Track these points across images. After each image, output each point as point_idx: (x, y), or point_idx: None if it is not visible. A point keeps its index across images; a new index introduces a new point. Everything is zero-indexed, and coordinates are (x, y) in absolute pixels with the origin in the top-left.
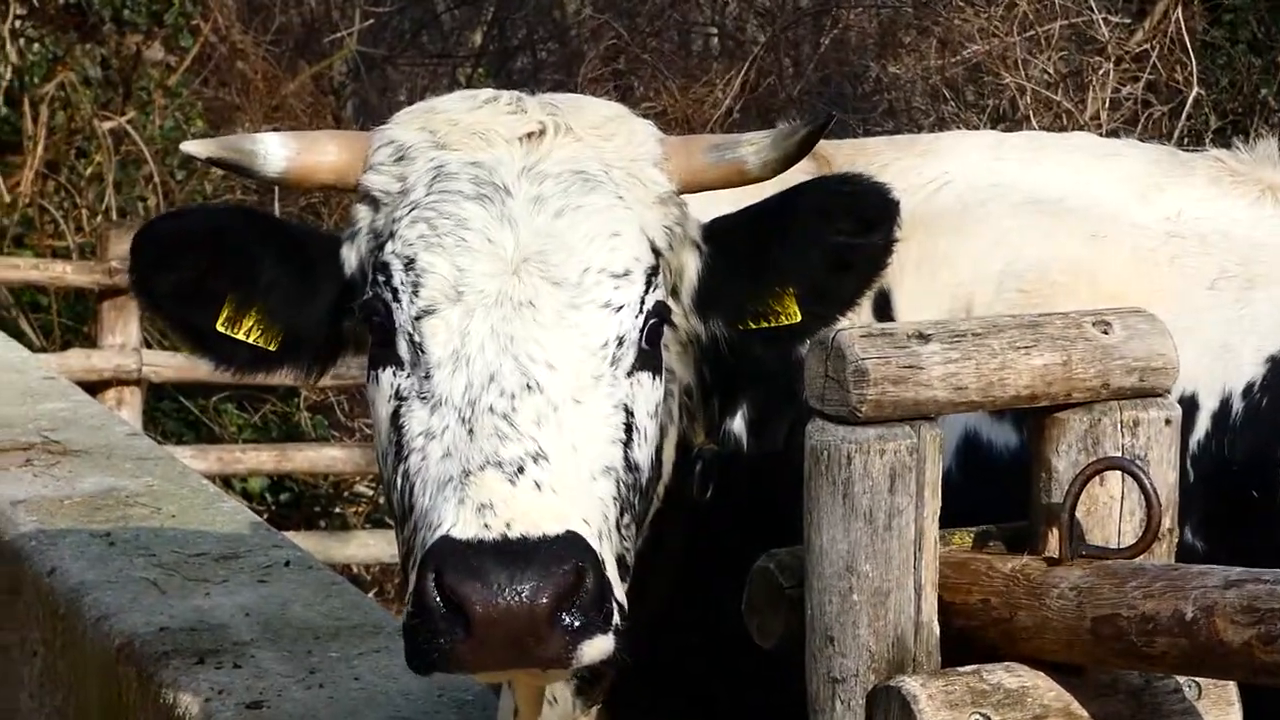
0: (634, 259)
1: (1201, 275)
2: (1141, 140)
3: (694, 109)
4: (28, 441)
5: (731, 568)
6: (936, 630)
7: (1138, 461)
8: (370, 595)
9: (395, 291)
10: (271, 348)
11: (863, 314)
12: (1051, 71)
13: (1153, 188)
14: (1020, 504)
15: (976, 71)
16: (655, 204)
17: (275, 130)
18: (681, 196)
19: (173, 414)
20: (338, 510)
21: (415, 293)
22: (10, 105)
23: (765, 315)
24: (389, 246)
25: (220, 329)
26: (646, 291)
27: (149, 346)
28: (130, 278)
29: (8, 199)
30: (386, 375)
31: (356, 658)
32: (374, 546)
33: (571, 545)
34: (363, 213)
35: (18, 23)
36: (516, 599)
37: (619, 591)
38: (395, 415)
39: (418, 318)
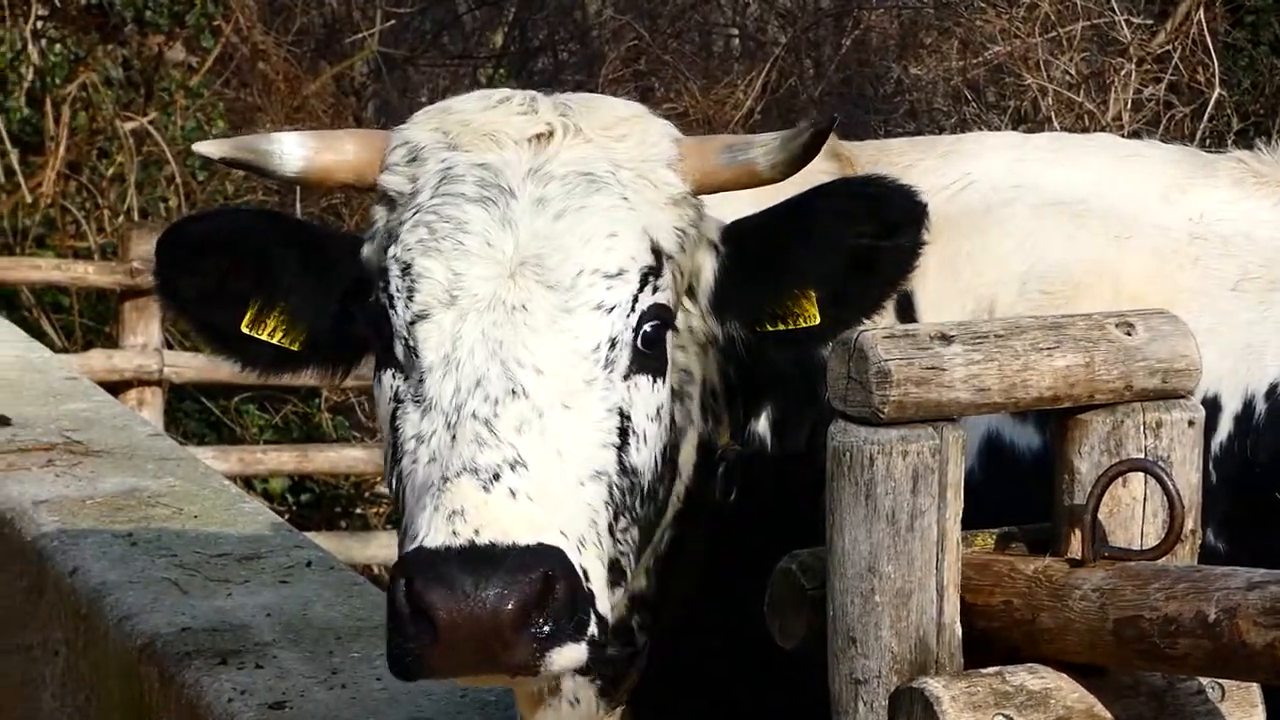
0: (630, 259)
1: (1224, 277)
2: (1163, 141)
3: (715, 110)
4: (50, 442)
5: (754, 569)
6: (959, 631)
7: (1160, 463)
8: None
9: (392, 296)
10: (295, 348)
11: (885, 315)
12: (1073, 73)
13: (1176, 189)
14: (1044, 505)
15: (998, 72)
16: (666, 205)
17: (296, 131)
18: (700, 197)
19: (194, 414)
20: (359, 511)
21: (410, 297)
22: (32, 106)
23: (784, 317)
24: (391, 249)
25: (245, 330)
26: (641, 292)
27: (170, 347)
28: (155, 281)
29: (30, 199)
30: (387, 377)
31: (378, 658)
32: (395, 547)
33: (541, 553)
34: (379, 213)
35: (40, 24)
36: (481, 605)
37: (602, 600)
38: (393, 417)
39: (412, 322)
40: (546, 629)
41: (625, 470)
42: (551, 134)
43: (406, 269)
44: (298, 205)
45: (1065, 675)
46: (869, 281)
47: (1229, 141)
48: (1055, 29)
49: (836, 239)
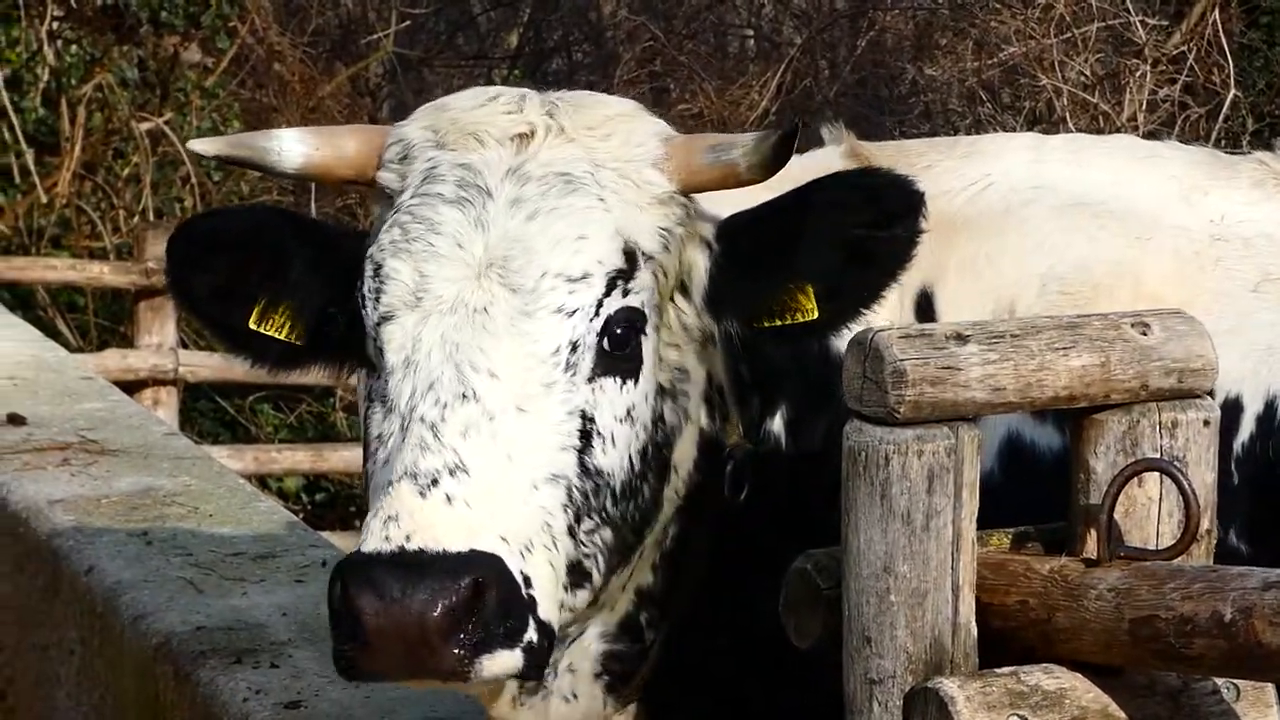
0: (596, 262)
1: (1245, 278)
2: (1179, 143)
3: (730, 111)
4: (65, 441)
5: (764, 567)
6: (974, 631)
7: (1176, 463)
8: None
9: (364, 296)
10: (300, 344)
11: (905, 315)
12: (1088, 73)
13: (1196, 190)
14: (1064, 506)
15: (1013, 73)
16: (649, 205)
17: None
18: (693, 195)
19: (209, 414)
20: None
21: (378, 298)
22: (48, 106)
23: (782, 312)
24: (370, 248)
25: (252, 326)
26: (607, 296)
27: (185, 347)
28: (167, 277)
29: (45, 200)
30: (362, 375)
31: None
32: None
33: (472, 560)
34: (377, 211)
35: (55, 24)
36: (407, 611)
37: (546, 605)
38: (365, 416)
39: (379, 323)
40: (477, 636)
41: (588, 472)
42: (533, 133)
43: (378, 269)
44: (312, 206)
45: (1080, 675)
46: (866, 273)
47: (1244, 142)
48: (1070, 30)
49: (832, 232)
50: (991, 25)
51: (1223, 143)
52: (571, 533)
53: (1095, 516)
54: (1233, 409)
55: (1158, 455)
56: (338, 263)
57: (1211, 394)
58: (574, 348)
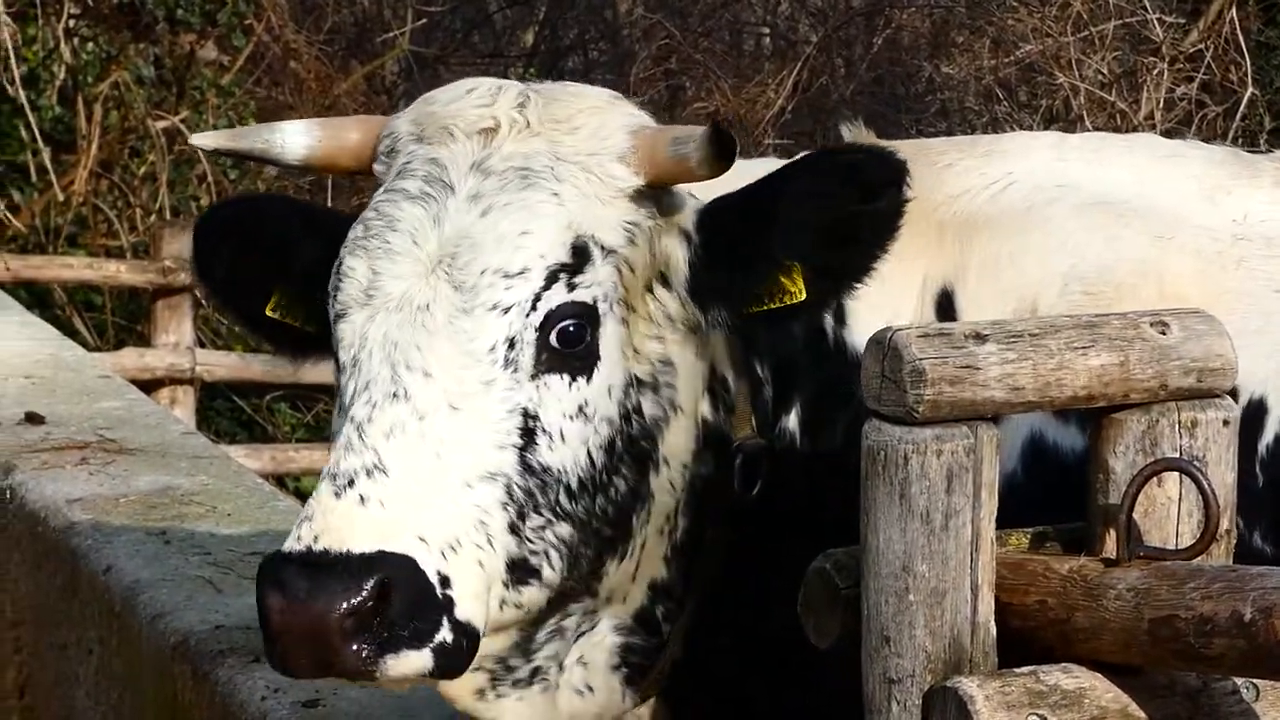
0: (537, 257)
1: (1269, 278)
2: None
3: (746, 109)
4: (84, 440)
5: (770, 566)
6: (993, 631)
7: (1195, 462)
8: None
9: (329, 292)
10: (312, 331)
11: (925, 314)
12: (1105, 71)
13: (1219, 189)
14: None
15: (1030, 71)
16: (613, 199)
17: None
18: (677, 186)
19: (226, 413)
20: None
21: (335, 296)
22: (64, 104)
23: (771, 295)
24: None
25: (268, 313)
26: (547, 290)
27: (202, 346)
28: (191, 263)
29: (62, 198)
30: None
31: None
32: None
33: (377, 561)
34: None
35: (72, 22)
36: (307, 611)
37: (468, 605)
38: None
39: (334, 320)
40: (380, 636)
41: (531, 470)
42: (498, 127)
43: (338, 266)
44: (328, 202)
45: (1100, 675)
46: (853, 250)
47: (1261, 140)
48: (1087, 28)
49: (815, 211)
50: (1008, 23)
51: (1240, 141)
52: (514, 530)
53: (1114, 516)
54: (1257, 410)
55: (1177, 455)
56: None
57: (1233, 394)
58: (511, 344)
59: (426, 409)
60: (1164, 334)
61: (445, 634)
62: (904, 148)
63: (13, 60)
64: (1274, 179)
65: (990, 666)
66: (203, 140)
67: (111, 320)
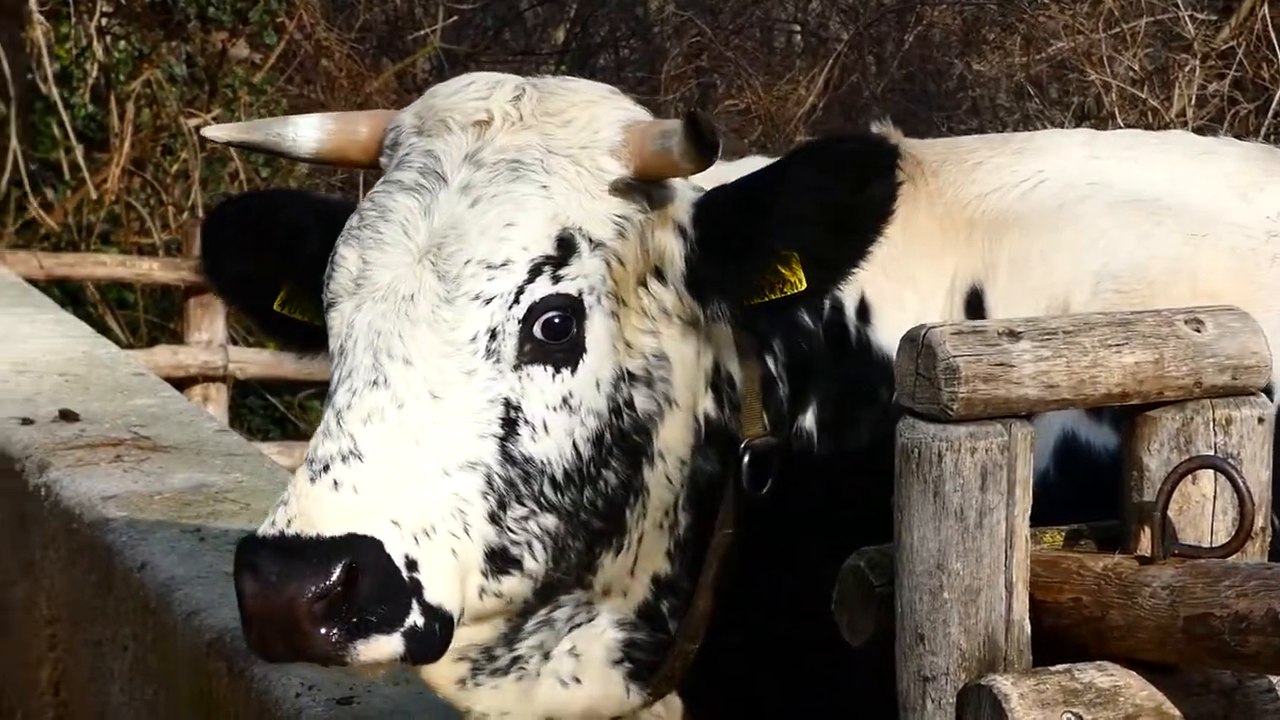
0: (520, 249)
1: None
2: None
3: (777, 107)
4: (118, 437)
5: (783, 566)
6: (1028, 629)
7: (1230, 460)
8: None
9: (323, 282)
10: (320, 324)
11: (955, 313)
12: (1137, 68)
13: (1252, 186)
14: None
15: (1061, 69)
16: (603, 193)
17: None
18: (673, 180)
19: (259, 410)
20: None
21: (327, 285)
22: (97, 102)
23: (771, 286)
24: None
25: (276, 308)
26: (531, 283)
27: (235, 343)
28: (200, 264)
29: (95, 196)
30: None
31: None
32: None
33: (346, 545)
34: None
35: (104, 20)
36: (278, 595)
37: (439, 589)
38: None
39: (326, 309)
40: (352, 620)
41: (512, 460)
42: (491, 120)
43: (333, 255)
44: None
45: (1134, 673)
46: (850, 237)
47: None
48: (1119, 25)
49: (810, 202)
50: (1040, 20)
51: (1272, 137)
52: (494, 519)
53: (1149, 514)
54: None
55: (1212, 452)
56: None
57: (1268, 391)
58: (493, 335)
59: (406, 397)
60: (1198, 331)
61: (415, 618)
62: (935, 146)
63: (46, 59)
64: None
65: (1025, 664)
66: (216, 132)
67: (144, 318)
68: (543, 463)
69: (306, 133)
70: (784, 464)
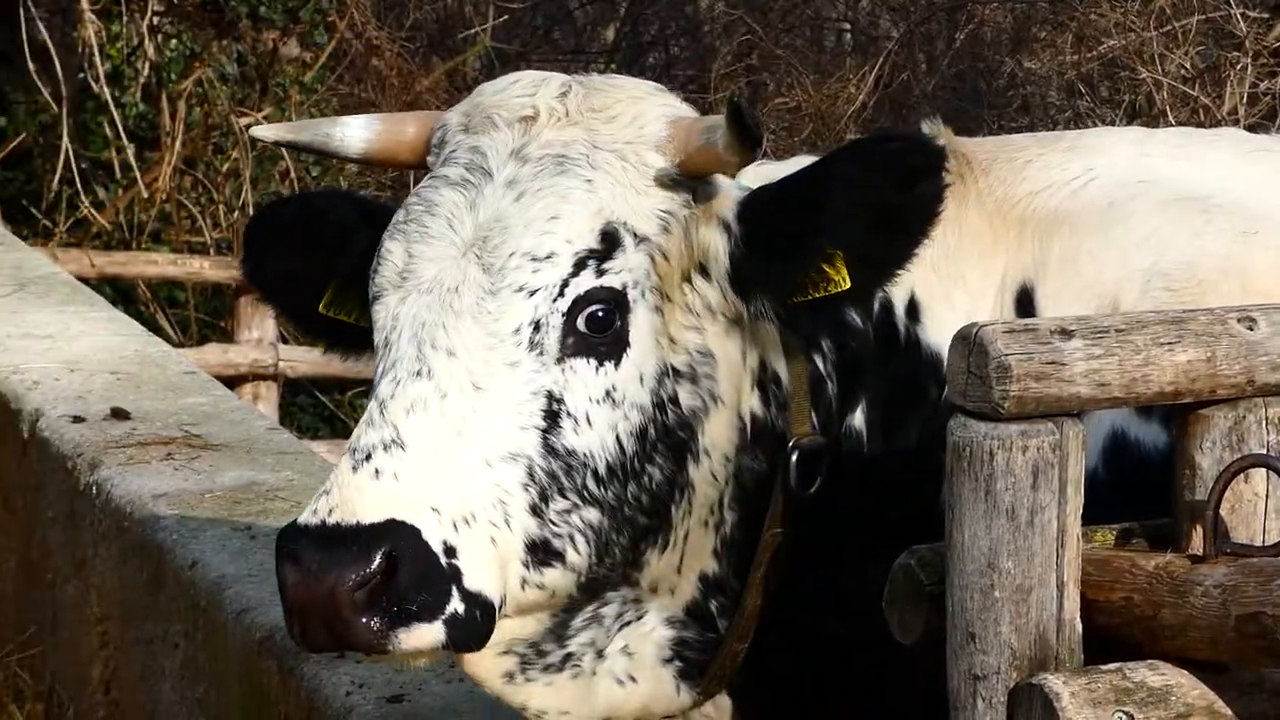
0: (564, 242)
1: None
2: None
3: (827, 105)
4: (169, 435)
5: (831, 565)
6: (1079, 628)
7: None
8: None
9: (369, 277)
10: (366, 325)
11: (1005, 312)
12: (1188, 66)
13: None
14: (1168, 504)
15: (1112, 67)
16: (649, 188)
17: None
18: (717, 176)
19: (309, 409)
20: None
21: (373, 278)
22: (148, 101)
23: (815, 285)
24: None
25: (321, 310)
26: (575, 276)
27: (285, 342)
28: (243, 267)
29: (146, 195)
30: None
31: None
32: None
33: (385, 531)
34: None
35: (155, 19)
36: (320, 584)
37: (478, 576)
38: None
39: (371, 303)
40: (393, 609)
41: (555, 453)
42: (537, 116)
43: (379, 249)
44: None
45: (1186, 672)
46: (895, 237)
47: None
48: (1170, 23)
49: (855, 200)
50: (1090, 18)
51: None
52: (536, 512)
53: (1201, 513)
54: None
55: (1264, 451)
56: None
57: None
58: (536, 327)
59: (449, 387)
60: (1251, 330)
61: (456, 605)
62: (985, 144)
63: (97, 58)
64: None
65: (1076, 663)
66: (264, 132)
67: (195, 316)
68: (585, 456)
69: (355, 133)
70: (833, 463)
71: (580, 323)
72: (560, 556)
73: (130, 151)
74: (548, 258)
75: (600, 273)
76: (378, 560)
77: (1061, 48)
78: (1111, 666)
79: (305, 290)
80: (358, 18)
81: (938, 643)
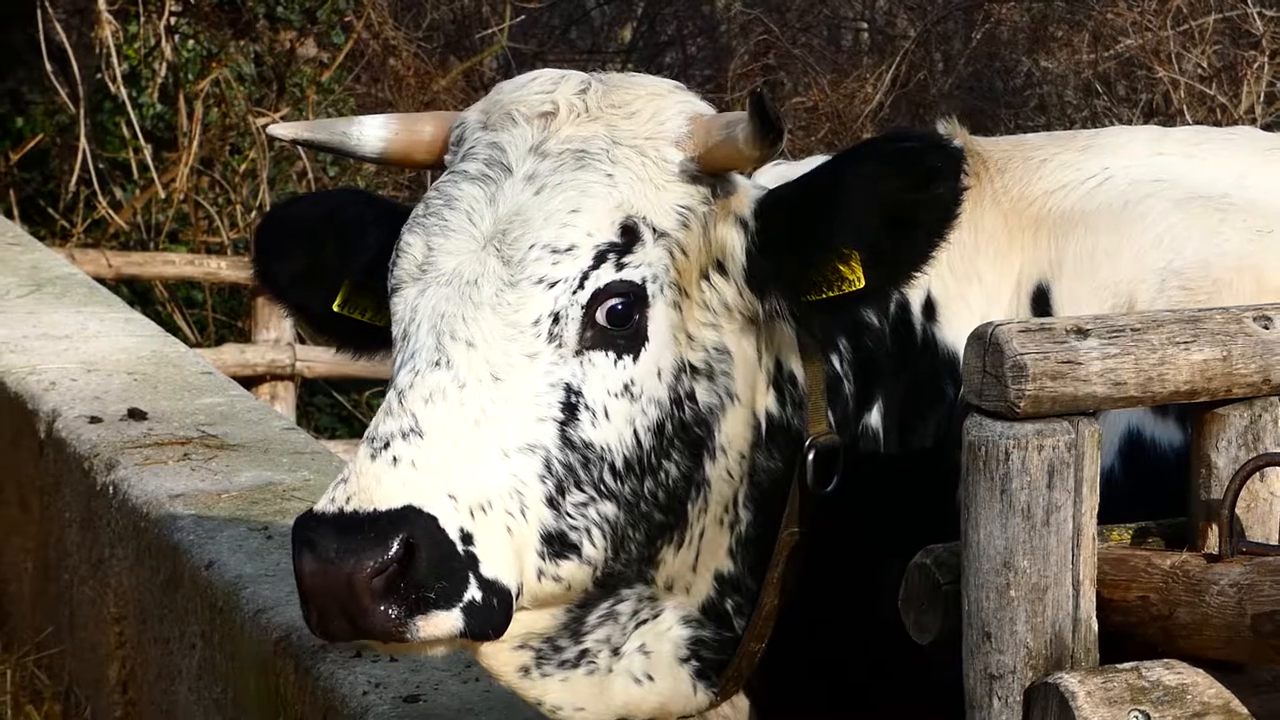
0: (585, 235)
1: None
2: None
3: (844, 104)
4: (186, 436)
5: (843, 566)
6: (1095, 627)
7: None
8: None
9: (387, 270)
10: (382, 325)
11: (1021, 311)
12: (1205, 65)
13: None
14: (1184, 503)
15: (1129, 66)
16: (669, 183)
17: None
18: (735, 174)
19: (326, 409)
20: None
21: (392, 271)
22: (165, 102)
23: (828, 284)
24: None
25: (335, 309)
26: (596, 269)
27: (302, 342)
28: (253, 267)
29: (163, 195)
30: None
31: None
32: None
33: (403, 518)
34: None
35: (173, 20)
36: (338, 571)
37: (494, 563)
38: None
39: (389, 295)
40: (410, 596)
41: (572, 445)
42: (557, 111)
43: (398, 243)
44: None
45: (1202, 671)
46: (910, 237)
47: None
48: (1187, 22)
49: (873, 198)
50: (1107, 17)
51: None
52: (552, 503)
53: (1217, 512)
54: None
55: None
56: None
57: None
58: (556, 319)
59: (468, 378)
60: (1267, 329)
61: (473, 592)
62: (1001, 143)
63: (114, 58)
64: None
65: (1092, 662)
66: (281, 131)
67: (212, 316)
68: (603, 449)
69: (372, 132)
70: (850, 462)
71: (599, 316)
72: (576, 549)
73: (147, 152)
74: (568, 250)
75: (620, 266)
76: (395, 547)
77: (1078, 47)
78: (1127, 665)
79: (317, 290)
80: (375, 18)
81: (954, 642)
